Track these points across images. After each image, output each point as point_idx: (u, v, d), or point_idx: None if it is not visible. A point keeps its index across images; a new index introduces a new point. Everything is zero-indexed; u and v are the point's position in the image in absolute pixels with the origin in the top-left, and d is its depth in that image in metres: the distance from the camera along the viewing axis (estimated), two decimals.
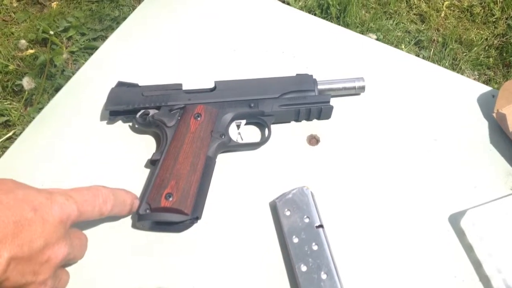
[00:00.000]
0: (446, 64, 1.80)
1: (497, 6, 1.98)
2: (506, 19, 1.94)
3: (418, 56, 1.84)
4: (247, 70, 0.73)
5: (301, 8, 2.04)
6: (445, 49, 1.84)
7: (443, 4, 2.01)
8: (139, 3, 1.81)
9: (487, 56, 1.83)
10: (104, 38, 1.76)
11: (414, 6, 2.01)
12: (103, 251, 0.56)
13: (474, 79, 1.81)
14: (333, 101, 0.66)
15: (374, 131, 0.68)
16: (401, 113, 0.70)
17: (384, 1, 2.02)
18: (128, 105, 0.63)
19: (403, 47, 1.86)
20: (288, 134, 0.67)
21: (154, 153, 0.60)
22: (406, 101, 0.71)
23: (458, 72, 1.79)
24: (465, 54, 1.83)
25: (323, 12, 2.01)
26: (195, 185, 0.57)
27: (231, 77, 0.66)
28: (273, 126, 0.66)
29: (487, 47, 1.85)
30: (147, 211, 0.55)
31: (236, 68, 0.74)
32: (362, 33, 1.93)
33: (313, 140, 0.67)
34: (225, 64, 0.74)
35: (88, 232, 0.56)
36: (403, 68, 0.75)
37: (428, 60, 1.82)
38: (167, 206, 0.55)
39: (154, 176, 0.58)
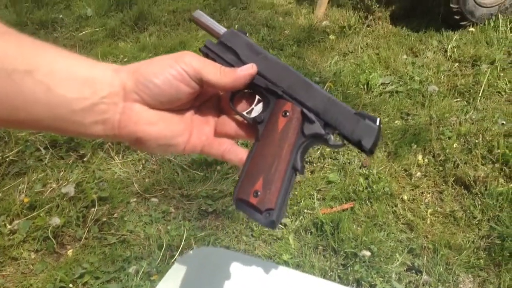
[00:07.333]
0: (441, 269, 1.89)
1: (476, 209, 2.15)
2: (488, 220, 2.10)
3: (413, 264, 1.95)
4: None
5: (297, 228, 2.19)
6: (437, 255, 1.95)
7: (427, 212, 2.18)
8: (149, 240, 1.97)
9: (477, 257, 1.94)
10: (117, 279, 1.88)
11: (400, 216, 2.18)
12: None
13: (469, 282, 1.89)
14: None
15: None
16: None
17: (372, 214, 2.19)
18: None
19: (397, 256, 1.98)
20: None
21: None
22: None
23: (452, 277, 1.87)
24: (456, 258, 1.94)
25: (318, 230, 2.17)
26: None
27: None
28: None
29: (475, 250, 1.97)
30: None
31: None
32: (357, 247, 2.06)
33: None
34: None
35: None
36: None
37: (423, 268, 1.93)
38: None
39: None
